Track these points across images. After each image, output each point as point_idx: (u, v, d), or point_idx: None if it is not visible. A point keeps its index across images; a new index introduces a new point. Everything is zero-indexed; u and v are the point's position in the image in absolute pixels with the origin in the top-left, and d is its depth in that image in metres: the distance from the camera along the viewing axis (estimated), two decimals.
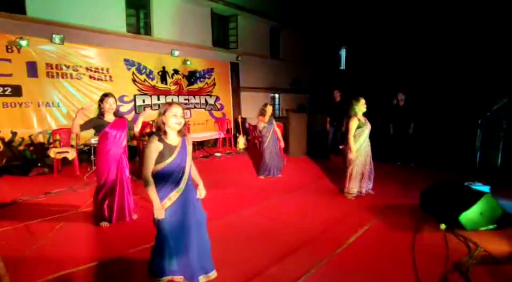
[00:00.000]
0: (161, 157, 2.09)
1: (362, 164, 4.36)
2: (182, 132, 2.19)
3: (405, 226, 3.50)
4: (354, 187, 4.42)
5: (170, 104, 2.14)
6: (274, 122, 5.73)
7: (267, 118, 5.61)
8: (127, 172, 3.61)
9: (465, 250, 2.89)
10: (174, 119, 2.10)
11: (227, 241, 3.06)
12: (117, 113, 3.55)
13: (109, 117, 3.48)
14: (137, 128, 3.70)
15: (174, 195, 2.12)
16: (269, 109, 5.62)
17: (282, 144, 5.88)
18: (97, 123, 3.43)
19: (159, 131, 2.13)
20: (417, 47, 20.10)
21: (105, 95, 3.49)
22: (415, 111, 6.80)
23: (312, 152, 8.35)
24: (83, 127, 3.39)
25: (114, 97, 3.52)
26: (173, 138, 2.16)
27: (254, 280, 2.43)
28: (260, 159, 5.79)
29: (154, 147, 2.08)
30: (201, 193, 2.30)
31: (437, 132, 10.78)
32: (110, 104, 3.44)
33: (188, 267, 2.21)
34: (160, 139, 2.11)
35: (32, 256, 2.79)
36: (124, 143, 3.60)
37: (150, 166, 2.08)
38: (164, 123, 2.12)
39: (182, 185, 2.14)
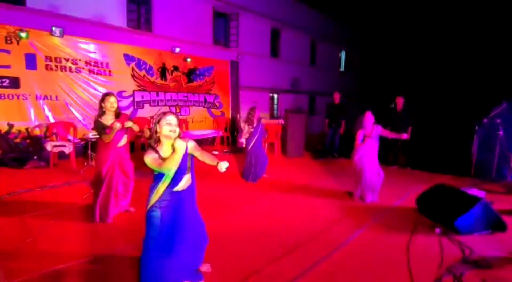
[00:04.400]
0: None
1: (367, 171, 4.37)
2: (173, 146, 2.06)
3: (401, 228, 3.52)
4: (358, 192, 4.49)
5: (164, 113, 2.13)
6: (262, 125, 5.62)
7: (255, 123, 5.51)
8: (127, 168, 3.60)
9: (459, 254, 2.92)
10: (168, 127, 2.07)
11: (224, 240, 3.07)
12: (118, 114, 3.46)
13: (109, 118, 3.40)
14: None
15: (154, 198, 2.10)
16: (255, 114, 5.52)
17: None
18: (99, 127, 3.38)
19: (151, 140, 2.12)
20: (416, 52, 20.23)
21: (106, 94, 3.44)
22: (412, 116, 6.84)
23: (310, 152, 8.38)
24: (99, 132, 3.37)
25: (115, 96, 3.46)
26: (166, 149, 2.12)
27: (250, 279, 2.44)
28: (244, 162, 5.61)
29: (153, 156, 2.08)
30: (221, 166, 2.11)
31: (434, 137, 10.87)
32: (111, 104, 3.37)
33: (175, 273, 2.15)
34: (155, 151, 2.09)
35: (26, 250, 2.77)
36: (122, 142, 3.54)
37: (154, 162, 2.06)
38: (157, 132, 2.10)
39: (160, 191, 2.10)
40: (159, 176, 2.10)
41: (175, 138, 2.06)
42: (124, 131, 3.54)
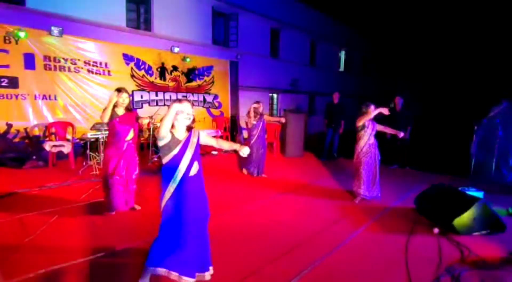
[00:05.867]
0: (167, 149, 2.16)
1: (371, 165, 4.39)
2: (190, 127, 2.25)
3: (400, 229, 3.52)
4: (362, 189, 4.44)
5: (180, 100, 2.20)
6: (263, 119, 5.74)
7: (257, 116, 5.63)
8: (132, 164, 3.70)
9: (458, 254, 2.92)
10: (182, 115, 2.16)
11: (223, 240, 3.06)
12: (130, 108, 3.69)
13: (120, 111, 3.60)
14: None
15: (172, 186, 2.17)
16: (261, 107, 5.66)
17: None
18: (111, 114, 3.55)
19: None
20: (416, 52, 20.26)
21: (119, 90, 3.58)
22: (411, 116, 6.85)
23: (310, 152, 8.37)
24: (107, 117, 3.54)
25: (127, 92, 3.65)
26: (180, 133, 2.21)
27: (249, 278, 2.43)
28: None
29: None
30: (243, 151, 2.33)
31: (433, 137, 10.88)
32: (123, 99, 3.56)
33: (184, 263, 2.21)
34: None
35: (25, 249, 2.77)
36: (129, 136, 3.67)
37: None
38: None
39: (177, 177, 2.18)
40: (173, 166, 2.17)
41: (192, 128, 2.24)
42: (131, 126, 3.66)
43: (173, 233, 2.19)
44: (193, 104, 2.29)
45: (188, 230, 2.20)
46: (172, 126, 2.18)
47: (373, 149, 4.43)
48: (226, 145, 2.49)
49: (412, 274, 2.55)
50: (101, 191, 3.75)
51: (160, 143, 2.15)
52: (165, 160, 2.19)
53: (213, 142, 2.43)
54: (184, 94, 8.98)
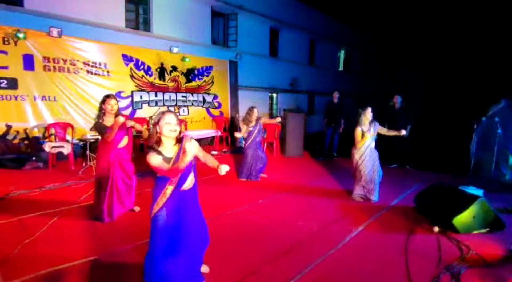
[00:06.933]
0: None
1: (369, 168, 4.38)
2: (178, 140, 2.13)
3: (399, 227, 3.53)
4: (359, 191, 4.48)
5: (163, 113, 2.11)
6: (260, 122, 5.61)
7: (253, 122, 5.49)
8: (128, 169, 3.64)
9: (458, 253, 2.93)
10: (168, 127, 2.05)
11: (222, 240, 3.07)
12: (118, 115, 3.50)
13: (109, 119, 3.44)
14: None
15: (161, 200, 2.09)
16: (254, 114, 5.49)
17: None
18: (99, 128, 3.43)
19: (152, 141, 2.09)
20: (415, 51, 20.23)
21: (107, 96, 3.47)
22: (411, 114, 6.85)
23: (309, 152, 8.38)
24: (97, 131, 3.48)
25: (115, 98, 3.49)
26: (169, 148, 2.11)
27: (248, 278, 2.44)
28: (241, 160, 5.57)
29: (156, 158, 2.04)
30: (221, 169, 2.16)
31: (432, 135, 10.89)
32: (111, 106, 3.41)
33: (179, 274, 2.13)
34: (158, 153, 2.06)
35: (25, 251, 2.77)
36: (123, 143, 3.57)
37: (161, 167, 2.04)
38: (158, 133, 2.08)
39: (167, 192, 2.09)
40: (165, 178, 2.08)
41: (182, 138, 2.12)
42: (125, 132, 3.56)
43: (164, 246, 2.09)
44: (177, 117, 2.13)
45: (180, 243, 2.11)
46: (160, 142, 2.08)
47: (374, 151, 4.43)
48: (210, 161, 2.30)
49: (412, 273, 2.55)
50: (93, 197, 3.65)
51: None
52: (157, 173, 2.10)
53: (200, 155, 2.28)
54: (184, 94, 8.99)
